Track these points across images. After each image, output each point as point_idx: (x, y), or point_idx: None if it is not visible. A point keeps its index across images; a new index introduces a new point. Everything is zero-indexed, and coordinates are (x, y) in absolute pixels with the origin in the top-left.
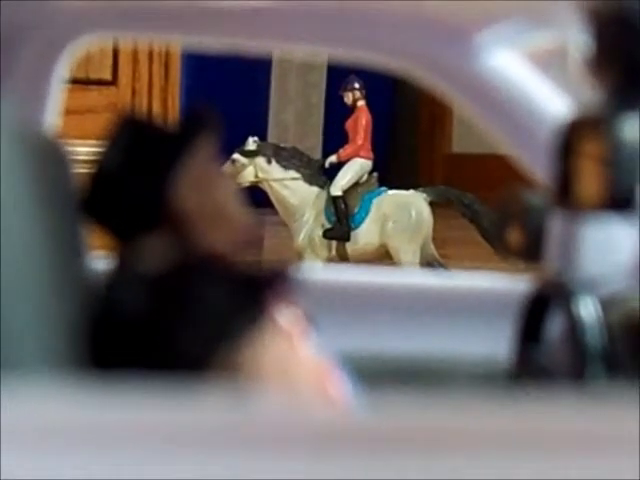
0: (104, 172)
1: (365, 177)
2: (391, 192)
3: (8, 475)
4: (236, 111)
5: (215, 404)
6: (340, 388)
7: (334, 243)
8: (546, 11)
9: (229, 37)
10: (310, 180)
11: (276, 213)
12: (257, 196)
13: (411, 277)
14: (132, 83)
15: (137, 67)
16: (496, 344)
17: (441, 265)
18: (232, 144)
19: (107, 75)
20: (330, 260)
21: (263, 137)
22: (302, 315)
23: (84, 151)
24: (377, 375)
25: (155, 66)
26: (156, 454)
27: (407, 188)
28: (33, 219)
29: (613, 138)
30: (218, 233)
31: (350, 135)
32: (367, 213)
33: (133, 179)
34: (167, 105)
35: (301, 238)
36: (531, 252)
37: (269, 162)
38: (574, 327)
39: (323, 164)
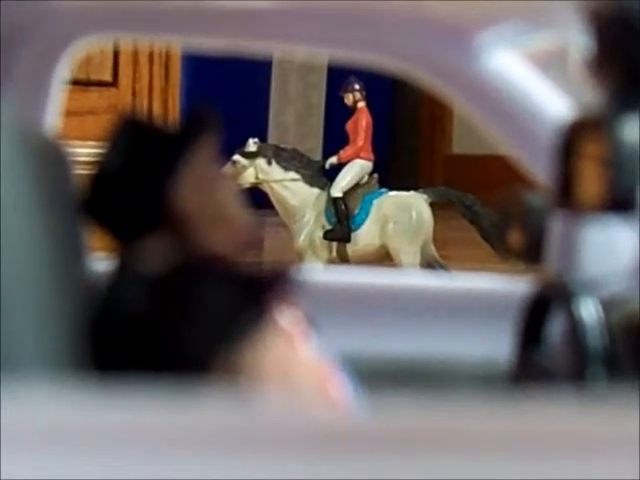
0: (105, 173)
1: (365, 178)
2: (391, 193)
3: (8, 476)
4: (236, 112)
5: (216, 405)
6: (341, 389)
7: (334, 244)
8: (546, 12)
9: (229, 38)
10: (310, 181)
11: (276, 214)
12: (257, 197)
13: (412, 278)
14: (132, 84)
15: (137, 68)
16: (497, 345)
17: (441, 266)
18: (232, 145)
19: (107, 76)
20: (330, 261)
21: (263, 138)
22: (303, 316)
23: (84, 152)
24: (377, 376)
25: (155, 67)
26: (157, 456)
27: (407, 189)
28: (34, 220)
29: (614, 139)
30: (219, 234)
31: (350, 136)
32: (367, 214)
33: (134, 180)
34: (167, 106)
35: (301, 239)
36: (532, 253)
37: (269, 163)
38: (575, 328)
39: (323, 165)
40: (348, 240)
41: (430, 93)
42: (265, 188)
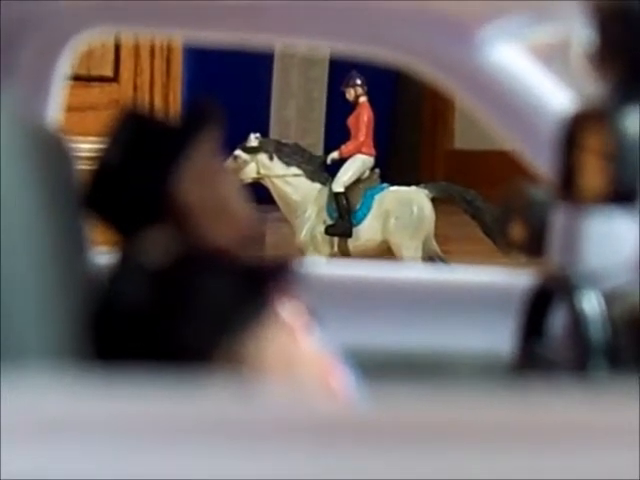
0: (106, 167)
1: (367, 173)
2: (393, 188)
3: (8, 468)
4: (238, 107)
5: (218, 397)
6: (342, 382)
7: (336, 239)
8: (549, 5)
9: (231, 31)
10: (312, 176)
11: (278, 209)
12: (259, 192)
13: (413, 271)
14: (134, 79)
15: (139, 63)
16: (499, 338)
17: (443, 261)
18: (234, 140)
19: (109, 71)
20: (332, 256)
21: (265, 133)
22: (305, 309)
23: (86, 147)
24: (379, 369)
25: (157, 62)
26: (159, 446)
27: (409, 184)
28: (36, 214)
29: (616, 132)
30: (220, 228)
31: (352, 131)
32: (369, 209)
33: (135, 173)
34: (169, 100)
35: (303, 234)
36: (534, 246)
37: (271, 158)
38: (577, 321)
39: (325, 160)
40: (350, 235)
41: (432, 88)
42: (267, 183)
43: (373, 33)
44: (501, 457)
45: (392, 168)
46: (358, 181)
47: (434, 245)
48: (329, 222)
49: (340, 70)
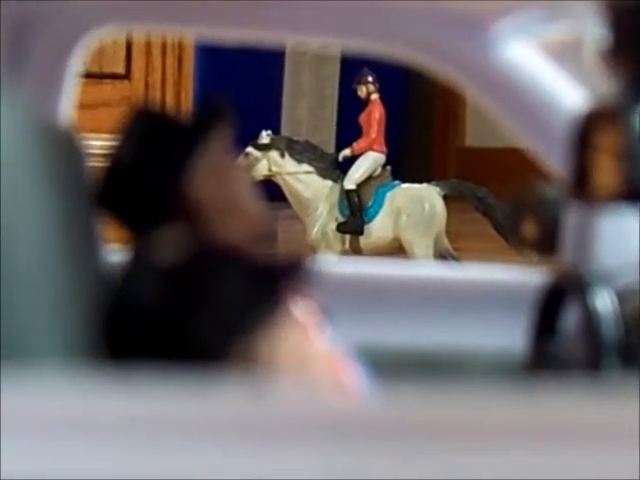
0: (119, 164)
1: (379, 171)
2: (404, 186)
3: (8, 468)
4: (249, 105)
5: (230, 395)
6: (355, 380)
7: (347, 237)
8: (562, 2)
9: (242, 29)
10: (324, 174)
11: (289, 207)
12: (270, 190)
13: (425, 269)
14: (145, 76)
15: (150, 60)
16: (511, 336)
17: (454, 258)
18: (245, 138)
19: (120, 69)
20: (344, 254)
21: (276, 131)
22: (317, 307)
23: (98, 145)
24: (391, 367)
25: (168, 59)
26: (171, 446)
27: (420, 182)
28: (48, 212)
29: (629, 130)
30: (233, 225)
31: (364, 129)
32: (381, 207)
33: (148, 171)
34: (180, 98)
35: (315, 232)
36: (546, 244)
37: (282, 156)
38: (590, 319)
39: (337, 158)
40: (361, 232)
41: (444, 85)
42: (278, 181)
43: (385, 30)
44: (514, 456)
45: (404, 165)
46: (370, 178)
47: (445, 242)
48: (341, 219)
49: (352, 67)
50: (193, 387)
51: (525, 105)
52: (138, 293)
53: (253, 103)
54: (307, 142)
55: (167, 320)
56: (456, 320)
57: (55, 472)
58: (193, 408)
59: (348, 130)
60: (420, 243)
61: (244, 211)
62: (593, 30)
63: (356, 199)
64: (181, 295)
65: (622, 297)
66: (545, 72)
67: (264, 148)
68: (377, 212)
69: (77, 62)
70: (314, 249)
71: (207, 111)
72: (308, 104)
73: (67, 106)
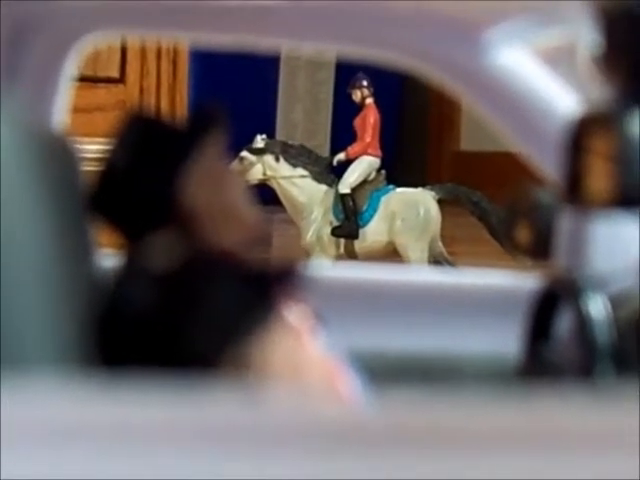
0: (112, 169)
1: (373, 175)
2: (399, 190)
3: (8, 474)
4: (244, 109)
5: (224, 402)
6: (349, 385)
7: (342, 241)
8: (555, 8)
9: (237, 34)
10: (318, 178)
11: (284, 211)
12: (265, 194)
13: (420, 274)
14: (140, 81)
15: (145, 65)
16: (505, 341)
17: (449, 263)
18: (240, 142)
19: (115, 73)
20: (338, 258)
21: (271, 135)
22: (311, 312)
23: (92, 149)
24: (385, 372)
25: (163, 64)
26: (164, 452)
27: (415, 186)
28: (41, 216)
29: (622, 135)
30: (227, 230)
31: (358, 133)
32: (375, 211)
33: (142, 176)
34: (175, 103)
35: (309, 236)
36: (540, 249)
37: (277, 160)
38: (583, 324)
39: (331, 162)
40: (356, 237)
41: (438, 90)
42: (273, 185)
43: (379, 36)
44: (508, 461)
45: (398, 169)
46: (364, 182)
47: (440, 246)
48: (335, 223)
49: (346, 72)
50: (187, 394)
51: (519, 110)
52: (131, 299)
53: (248, 107)
54: (302, 146)
55: (160, 326)
56: (450, 325)
57: (50, 477)
58: (187, 415)
59: (343, 134)
60: (415, 247)
61: (238, 216)
62: (586, 35)
63: (351, 203)
64: (175, 301)
65: (615, 302)
66: (539, 78)
67: (259, 152)
68: (372, 216)
69: (72, 66)
70: (309, 253)
71: (201, 116)
72: (303, 108)
73: (61, 110)
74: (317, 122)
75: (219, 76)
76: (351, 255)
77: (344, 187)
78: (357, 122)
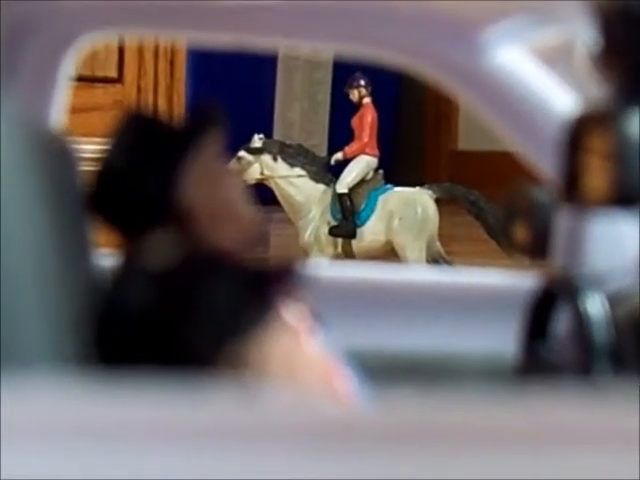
0: (110, 168)
1: (371, 174)
2: (397, 189)
3: (8, 473)
4: (242, 108)
5: (222, 400)
6: (347, 384)
7: (340, 240)
8: (552, 7)
9: (235, 34)
10: (316, 177)
11: (282, 210)
12: (263, 193)
13: (418, 274)
14: (138, 80)
15: (143, 64)
16: (503, 340)
17: (447, 262)
18: (238, 141)
19: (113, 72)
20: (336, 257)
21: (269, 134)
22: (309, 311)
23: (90, 149)
24: (383, 371)
25: (161, 63)
26: (162, 450)
27: (413, 185)
28: (39, 216)
29: (620, 134)
30: (224, 230)
31: (356, 132)
32: (373, 210)
33: (139, 175)
34: (173, 102)
35: (307, 235)
36: (538, 248)
37: (275, 159)
38: (581, 323)
39: (329, 161)
40: (353, 236)
41: (436, 89)
42: (270, 184)
43: (376, 35)
44: (506, 460)
45: (396, 169)
46: (362, 182)
47: (438, 246)
48: (333, 223)
49: (344, 71)
50: (184, 392)
51: (516, 109)
52: (129, 297)
53: (245, 107)
54: (299, 146)
55: (158, 325)
56: (448, 324)
57: (49, 476)
58: (184, 413)
59: (340, 134)
60: (412, 246)
61: (236, 216)
62: (584, 34)
63: (348, 203)
64: (172, 300)
65: (613, 301)
66: (536, 76)
67: (256, 152)
68: (369, 216)
69: (69, 66)
70: (306, 253)
71: (199, 116)
72: (300, 108)
73: (59, 110)
74: (315, 122)
75: (217, 76)
76: (349, 255)
77: (342, 187)
78: (354, 122)
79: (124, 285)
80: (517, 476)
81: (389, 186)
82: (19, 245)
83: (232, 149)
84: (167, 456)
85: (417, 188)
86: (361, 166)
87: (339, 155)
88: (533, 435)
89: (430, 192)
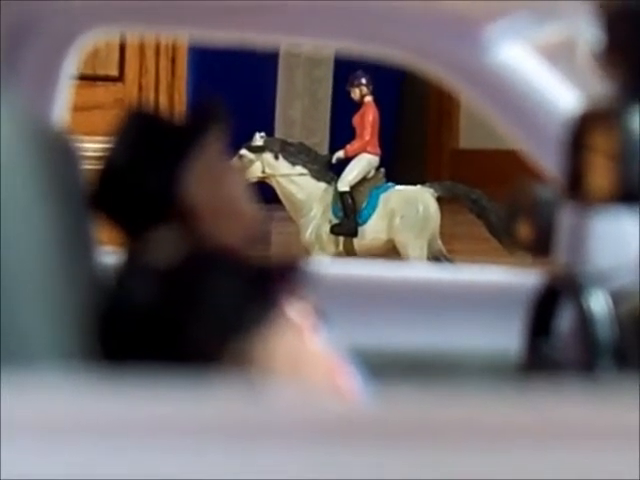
0: (113, 166)
1: (372, 172)
2: (398, 187)
3: (9, 471)
4: (243, 107)
5: (226, 397)
6: (350, 381)
7: (341, 238)
8: (555, 4)
9: (236, 31)
10: (317, 176)
11: (283, 209)
12: (264, 192)
13: (419, 271)
14: (139, 78)
15: (144, 62)
16: (505, 338)
17: (448, 260)
18: (239, 140)
19: (114, 71)
20: (337, 255)
21: (270, 133)
22: (312, 308)
23: (92, 147)
24: (385, 368)
25: (162, 61)
26: (165, 447)
27: (414, 183)
28: (42, 214)
29: (623, 132)
30: (227, 227)
31: (357, 131)
32: (374, 208)
33: (142, 173)
34: (174, 100)
35: (308, 234)
36: (541, 246)
37: (276, 158)
38: (584, 320)
39: (330, 160)
40: (355, 234)
41: (437, 87)
42: (272, 182)
43: (379, 33)
44: (508, 456)
45: (397, 167)
46: (363, 180)
47: (439, 244)
48: (334, 221)
49: (345, 69)
50: (188, 389)
51: (519, 107)
52: (133, 295)
53: (246, 105)
54: (301, 144)
55: (162, 322)
56: (450, 322)
57: (53, 473)
58: (188, 409)
59: (342, 132)
60: (414, 245)
61: (238, 213)
62: (586, 31)
63: (350, 201)
64: (176, 297)
65: (616, 298)
66: (539, 74)
67: (258, 150)
68: (371, 214)
69: (71, 64)
70: (308, 251)
71: (202, 113)
72: (302, 106)
73: (61, 108)
74: (316, 120)
75: (218, 74)
76: (350, 253)
77: (343, 185)
78: (356, 120)
79: (128, 282)
80: (521, 472)
81: (390, 184)
82: (22, 243)
83: (233, 147)
84: (171, 453)
85: (418, 186)
86: (362, 164)
87: (340, 153)
88: (536, 432)
89: (431, 190)
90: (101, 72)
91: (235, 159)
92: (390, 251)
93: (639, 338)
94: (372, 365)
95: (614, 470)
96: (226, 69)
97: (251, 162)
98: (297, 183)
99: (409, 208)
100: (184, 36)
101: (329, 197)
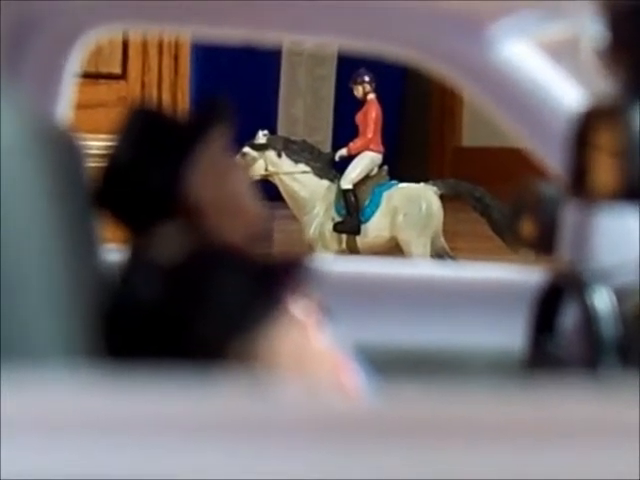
0: (117, 164)
1: (375, 170)
2: (401, 185)
3: (9, 469)
4: (246, 104)
5: (230, 394)
6: (354, 378)
7: (344, 236)
8: (559, 2)
9: (239, 28)
10: (320, 173)
11: (286, 207)
12: (267, 190)
13: (423, 268)
14: (142, 76)
15: (147, 60)
16: (509, 335)
17: (451, 258)
18: (242, 138)
19: (117, 69)
20: (340, 253)
21: (273, 131)
22: (316, 306)
23: (95, 145)
24: (389, 365)
25: (165, 59)
26: (170, 445)
27: (417, 181)
28: (46, 212)
29: (627, 129)
30: (231, 224)
31: (360, 128)
32: (377, 206)
33: (146, 170)
34: (177, 98)
35: (311, 231)
36: (544, 243)
37: (279, 156)
38: (588, 317)
39: (333, 157)
40: (358, 232)
41: (440, 85)
42: (275, 180)
43: (383, 30)
44: (513, 453)
45: (400, 165)
46: (366, 178)
47: (442, 242)
48: (337, 219)
49: (348, 67)
50: (193, 386)
51: (523, 104)
52: (137, 292)
53: (249, 103)
54: (304, 142)
55: (167, 319)
56: (454, 319)
57: (54, 471)
58: (193, 407)
59: (345, 130)
60: (417, 243)
61: (242, 210)
62: (591, 29)
63: (353, 199)
64: (180, 294)
65: (620, 295)
66: (543, 71)
67: (261, 148)
68: (374, 212)
69: (75, 62)
70: (311, 249)
71: (206, 109)
72: (304, 104)
73: (65, 106)
74: (319, 118)
75: (220, 71)
76: (353, 250)
77: (346, 183)
78: (359, 118)
79: (132, 279)
80: (524, 470)
81: (393, 182)
82: (27, 240)
83: (236, 145)
84: (175, 449)
85: (421, 184)
86: (365, 162)
87: (343, 151)
88: (540, 429)
89: (434, 188)
90: (104, 70)
91: (238, 157)
92: (393, 249)
93: None
94: (376, 362)
95: (619, 467)
96: (229, 67)
97: (254, 160)
98: (300, 181)
99: (412, 206)
100: (187, 34)
101: (332, 195)
